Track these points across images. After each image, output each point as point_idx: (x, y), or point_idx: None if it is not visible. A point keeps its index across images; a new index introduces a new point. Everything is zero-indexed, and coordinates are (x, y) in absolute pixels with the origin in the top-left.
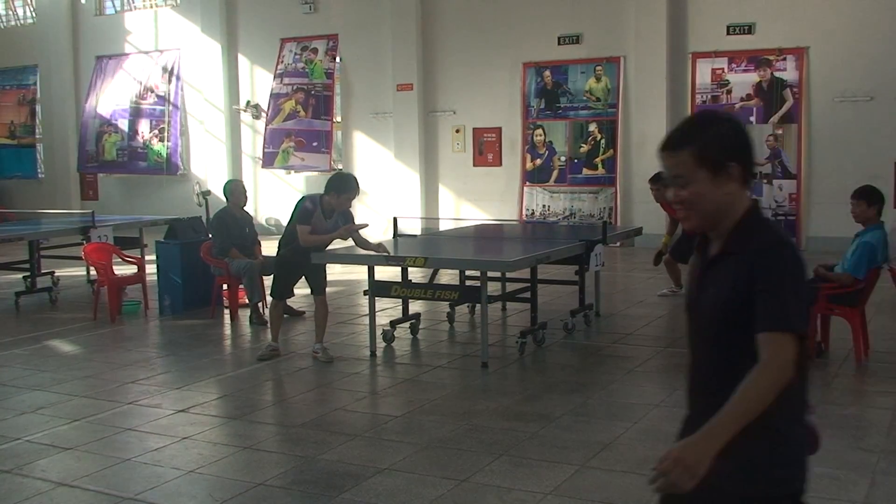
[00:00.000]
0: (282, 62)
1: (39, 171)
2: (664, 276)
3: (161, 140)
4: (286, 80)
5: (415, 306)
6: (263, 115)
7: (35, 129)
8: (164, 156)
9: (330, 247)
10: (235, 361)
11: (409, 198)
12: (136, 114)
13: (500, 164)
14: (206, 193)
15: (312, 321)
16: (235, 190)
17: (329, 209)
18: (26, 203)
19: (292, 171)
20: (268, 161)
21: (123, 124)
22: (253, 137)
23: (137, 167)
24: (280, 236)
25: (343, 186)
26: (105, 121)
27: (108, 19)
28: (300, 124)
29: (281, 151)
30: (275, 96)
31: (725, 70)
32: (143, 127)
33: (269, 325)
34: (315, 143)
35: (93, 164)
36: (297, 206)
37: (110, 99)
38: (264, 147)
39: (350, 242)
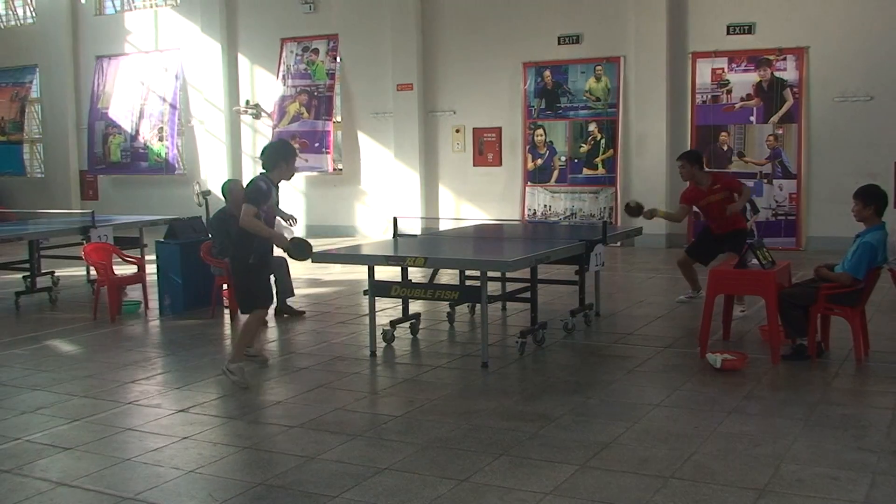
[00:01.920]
0: (283, 63)
1: (32, 169)
2: (665, 276)
3: (161, 140)
4: (290, 83)
5: (415, 306)
6: (264, 114)
7: (24, 126)
8: (164, 156)
9: (328, 246)
10: None
11: (409, 198)
12: (137, 114)
13: (500, 164)
14: (206, 193)
15: (313, 321)
16: (234, 190)
17: (276, 182)
18: (25, 202)
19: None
20: None
21: (126, 125)
22: (253, 137)
23: (140, 167)
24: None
25: (289, 151)
26: (109, 122)
27: (108, 19)
28: (304, 126)
29: None
30: (280, 99)
31: (725, 70)
32: (144, 127)
33: (246, 335)
34: (317, 144)
35: (100, 166)
36: (250, 185)
37: (113, 100)
38: None
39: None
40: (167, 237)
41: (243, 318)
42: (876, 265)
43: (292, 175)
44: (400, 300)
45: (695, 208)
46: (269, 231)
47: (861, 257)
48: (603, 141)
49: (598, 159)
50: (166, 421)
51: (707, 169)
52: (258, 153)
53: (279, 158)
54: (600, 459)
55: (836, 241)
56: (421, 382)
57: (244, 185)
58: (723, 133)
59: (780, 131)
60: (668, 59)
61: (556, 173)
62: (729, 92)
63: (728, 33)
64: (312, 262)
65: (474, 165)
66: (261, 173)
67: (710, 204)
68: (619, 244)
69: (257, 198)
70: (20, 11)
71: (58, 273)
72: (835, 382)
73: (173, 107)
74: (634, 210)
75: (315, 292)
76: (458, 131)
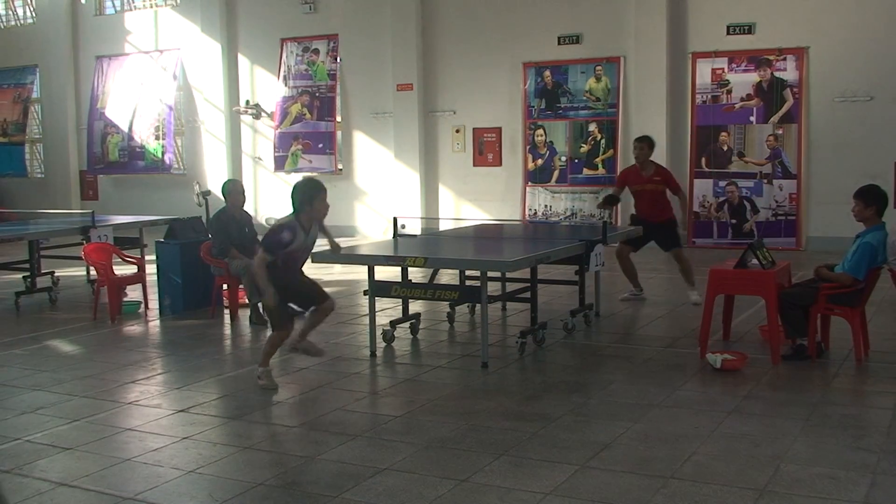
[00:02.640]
0: (284, 63)
1: (32, 169)
2: (665, 277)
3: (157, 139)
4: (291, 83)
5: (415, 306)
6: (264, 114)
7: (26, 128)
8: (160, 155)
9: (329, 246)
10: (235, 361)
11: (409, 198)
12: (136, 114)
13: (501, 164)
14: (206, 193)
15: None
16: (233, 190)
17: (308, 223)
18: (25, 203)
19: (292, 173)
20: (278, 165)
21: (124, 125)
22: (253, 137)
23: (137, 167)
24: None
25: (315, 191)
26: (108, 122)
27: (108, 19)
28: (306, 126)
29: (290, 155)
30: (282, 100)
31: (725, 70)
32: (143, 127)
33: (266, 352)
34: (320, 145)
35: (99, 166)
36: (273, 230)
37: (112, 100)
38: (274, 151)
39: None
40: (167, 237)
41: (243, 316)
42: (876, 265)
43: (325, 213)
44: (400, 300)
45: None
46: (264, 283)
47: (861, 257)
48: (603, 141)
49: (598, 159)
50: (166, 421)
51: (654, 160)
52: (257, 153)
53: (304, 201)
54: (600, 459)
55: (836, 241)
56: (421, 382)
57: (244, 187)
58: (723, 133)
59: (780, 131)
60: (668, 59)
61: (556, 173)
62: (729, 92)
63: (728, 33)
64: (312, 261)
65: (474, 165)
66: (291, 214)
67: (644, 191)
68: (619, 244)
69: (273, 247)
70: (20, 11)
71: (58, 273)
72: (835, 382)
73: (170, 107)
74: (609, 201)
75: None
76: (458, 131)
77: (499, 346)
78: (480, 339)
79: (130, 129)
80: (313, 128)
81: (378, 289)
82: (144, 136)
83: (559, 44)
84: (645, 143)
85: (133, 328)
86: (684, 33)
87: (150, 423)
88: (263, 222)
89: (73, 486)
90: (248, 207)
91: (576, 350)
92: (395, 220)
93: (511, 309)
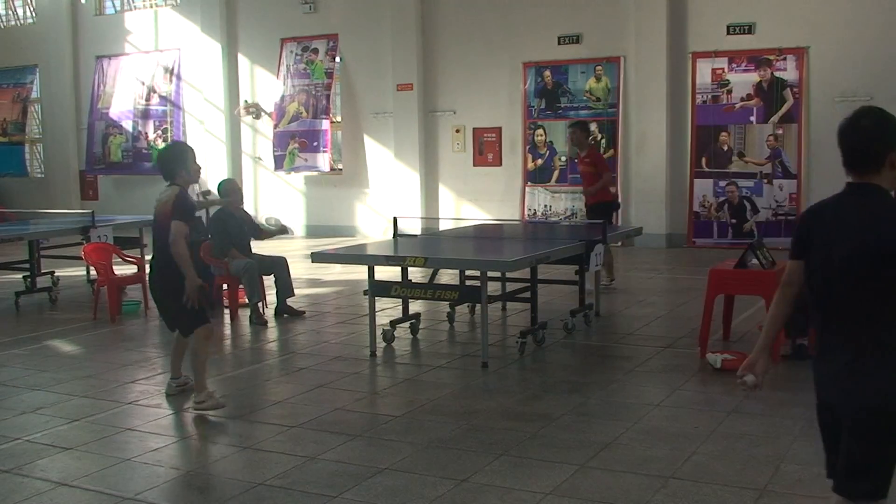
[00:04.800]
0: (283, 63)
1: (32, 169)
2: (665, 277)
3: (165, 140)
4: (289, 83)
5: (415, 306)
6: (264, 114)
7: (25, 127)
8: None
9: (329, 246)
10: (235, 361)
11: (409, 198)
12: (139, 115)
13: (501, 164)
14: (205, 193)
15: (313, 321)
16: (230, 189)
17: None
18: (25, 202)
19: (292, 172)
20: (277, 164)
21: (128, 125)
22: (253, 137)
23: (143, 168)
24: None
25: (183, 152)
26: (110, 122)
27: (108, 19)
28: (303, 125)
29: (288, 153)
30: (280, 99)
31: (725, 70)
32: (147, 128)
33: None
34: (315, 143)
35: (100, 166)
36: (177, 198)
37: (114, 100)
38: (273, 150)
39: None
40: None
41: (243, 316)
42: None
43: (198, 174)
44: (400, 300)
45: None
46: (187, 264)
47: None
48: (603, 141)
49: None
50: (166, 421)
51: (592, 143)
52: (257, 152)
53: (177, 165)
54: (600, 459)
55: None
56: (421, 382)
57: (240, 185)
58: (723, 133)
59: (780, 131)
60: (668, 59)
61: (556, 173)
62: (729, 92)
63: (728, 33)
64: (312, 261)
65: (474, 165)
66: (168, 184)
67: (581, 173)
68: (619, 244)
69: (188, 213)
70: (20, 11)
71: (58, 273)
72: None
73: (176, 107)
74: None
75: (315, 292)
76: (458, 131)
77: (499, 346)
78: (480, 339)
79: (135, 129)
80: (309, 126)
81: (378, 289)
82: (152, 136)
83: (559, 44)
84: (577, 128)
85: (133, 328)
86: (684, 33)
87: (150, 423)
88: (264, 222)
89: (73, 486)
90: (249, 207)
91: (576, 350)
92: (395, 220)
93: (511, 309)
